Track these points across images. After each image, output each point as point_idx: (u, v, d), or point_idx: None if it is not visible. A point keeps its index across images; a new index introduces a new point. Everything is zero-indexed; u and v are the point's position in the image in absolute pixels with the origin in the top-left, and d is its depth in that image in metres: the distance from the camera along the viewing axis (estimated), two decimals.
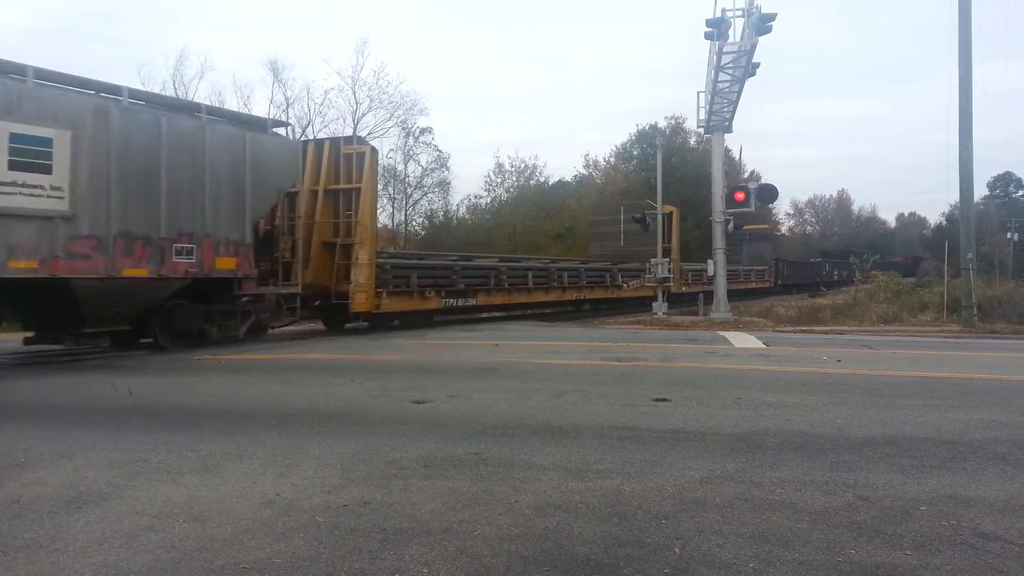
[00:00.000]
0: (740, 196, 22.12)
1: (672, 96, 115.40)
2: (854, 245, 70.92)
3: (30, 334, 12.02)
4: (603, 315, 26.40)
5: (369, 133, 39.15)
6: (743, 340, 14.41)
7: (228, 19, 75.78)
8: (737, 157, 55.71)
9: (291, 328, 17.04)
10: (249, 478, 4.62)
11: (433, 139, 43.73)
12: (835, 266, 60.07)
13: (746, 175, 55.82)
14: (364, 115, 38.78)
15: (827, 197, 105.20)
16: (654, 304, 23.70)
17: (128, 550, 3.46)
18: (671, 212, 28.11)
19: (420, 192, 44.63)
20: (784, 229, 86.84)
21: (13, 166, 9.96)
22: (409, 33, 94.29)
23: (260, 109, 61.34)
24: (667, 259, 24.92)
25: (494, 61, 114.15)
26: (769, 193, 22.92)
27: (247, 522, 3.82)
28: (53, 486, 4.49)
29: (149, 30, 64.86)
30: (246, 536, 3.62)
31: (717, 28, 19.21)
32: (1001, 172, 78.67)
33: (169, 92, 34.57)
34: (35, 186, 10.18)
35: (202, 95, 51.27)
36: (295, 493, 4.31)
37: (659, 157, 26.14)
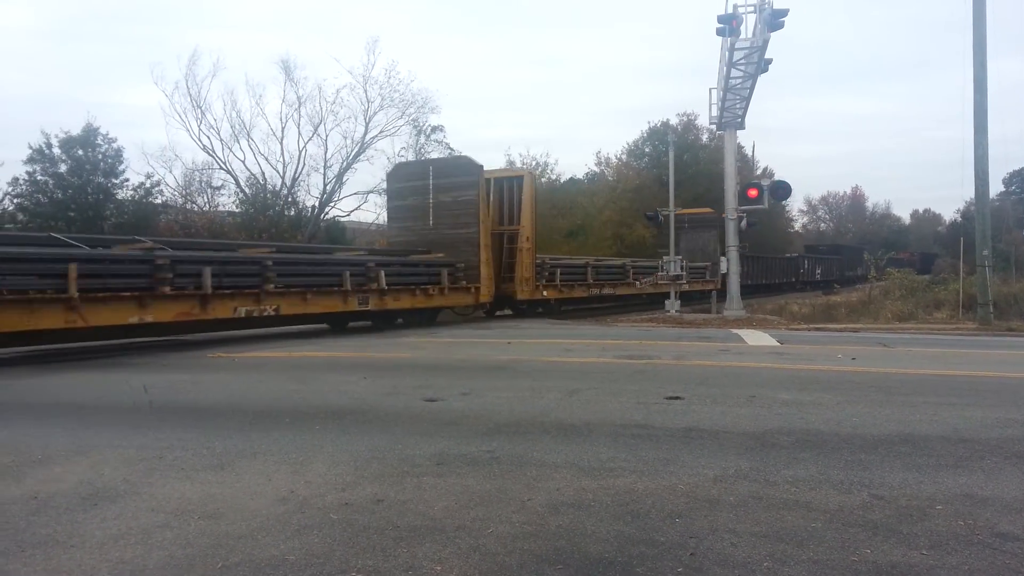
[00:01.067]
0: (753, 193, 22.02)
1: (684, 93, 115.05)
2: (868, 242, 70.25)
3: None
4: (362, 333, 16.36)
5: (381, 131, 39.21)
6: (757, 338, 14.36)
7: (238, 19, 76.24)
8: (750, 154, 55.39)
9: (299, 327, 16.96)
10: (263, 475, 4.65)
11: (444, 137, 43.68)
12: (818, 263, 51.46)
13: (759, 172, 55.54)
14: (376, 113, 38.83)
15: (841, 194, 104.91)
16: (667, 302, 23.62)
17: (144, 547, 3.49)
18: (521, 176, 22.23)
19: None
20: (798, 226, 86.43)
21: None
22: (418, 32, 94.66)
23: (273, 108, 61.79)
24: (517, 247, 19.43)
25: (504, 60, 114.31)
26: (782, 190, 22.73)
27: (261, 519, 3.84)
28: (70, 483, 4.53)
29: (159, 30, 65.42)
30: (260, 533, 3.64)
31: (729, 24, 19.17)
32: (1017, 168, 77.49)
33: (182, 92, 34.77)
34: None
35: (215, 94, 51.64)
36: (309, 490, 4.33)
37: (671, 154, 25.98)
